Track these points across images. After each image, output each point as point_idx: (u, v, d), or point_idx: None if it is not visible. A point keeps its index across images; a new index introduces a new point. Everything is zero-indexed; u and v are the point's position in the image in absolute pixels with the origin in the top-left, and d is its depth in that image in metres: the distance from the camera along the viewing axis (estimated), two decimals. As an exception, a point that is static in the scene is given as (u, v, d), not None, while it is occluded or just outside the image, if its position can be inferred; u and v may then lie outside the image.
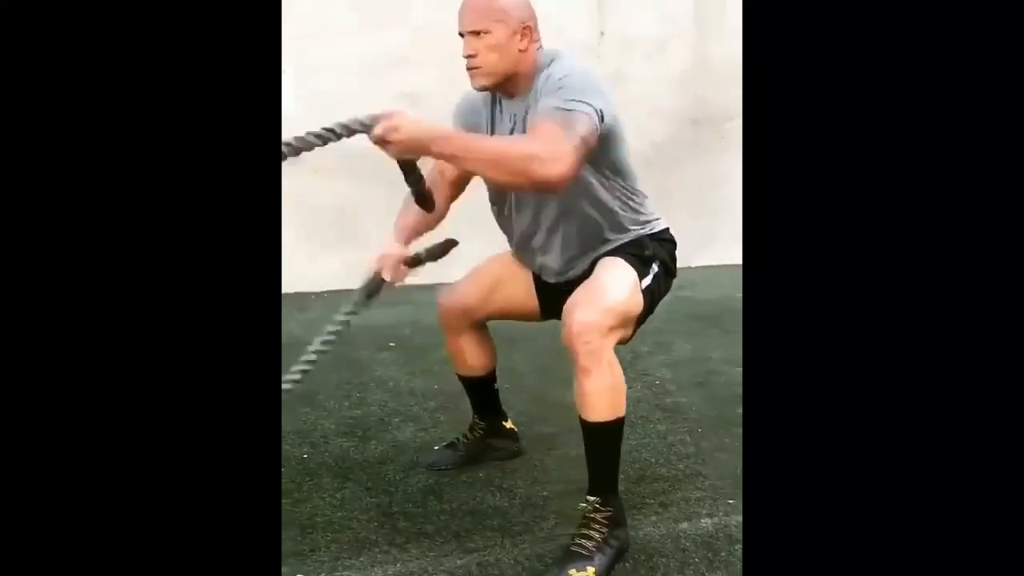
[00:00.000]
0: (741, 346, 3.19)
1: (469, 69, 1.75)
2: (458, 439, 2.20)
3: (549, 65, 1.75)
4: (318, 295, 3.84)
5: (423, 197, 1.67)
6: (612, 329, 1.67)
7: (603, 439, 1.73)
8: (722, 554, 1.75)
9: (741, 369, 2.81)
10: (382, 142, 1.47)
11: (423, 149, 1.50)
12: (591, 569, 1.66)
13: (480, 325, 2.07)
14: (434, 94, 3.79)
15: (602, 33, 3.98)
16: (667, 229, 1.90)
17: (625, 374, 1.73)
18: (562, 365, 2.83)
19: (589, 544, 1.69)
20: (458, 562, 1.73)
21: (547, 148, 1.51)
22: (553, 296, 1.89)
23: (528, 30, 1.74)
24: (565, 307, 1.69)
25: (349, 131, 1.46)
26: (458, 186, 1.96)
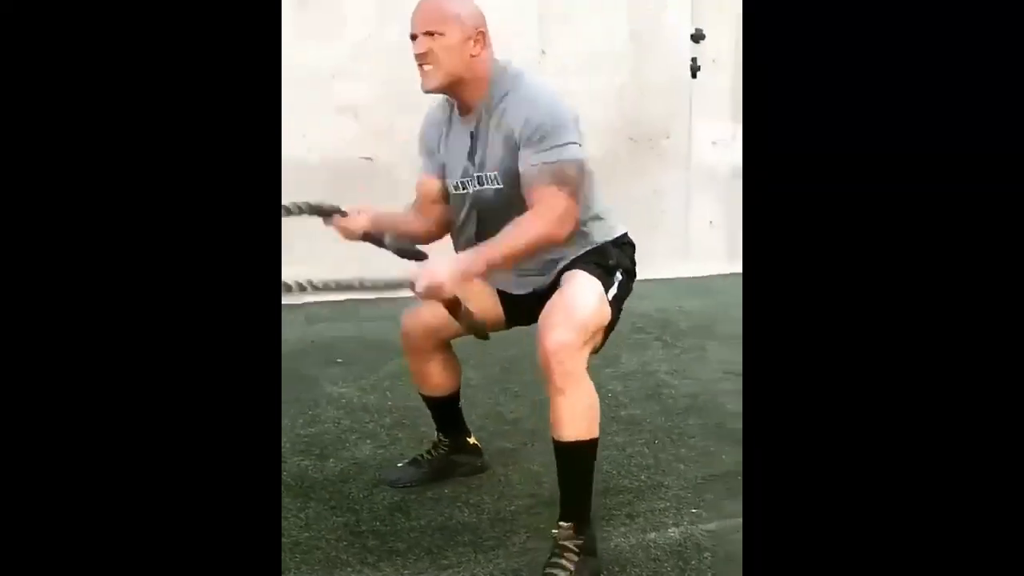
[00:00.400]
0: (684, 359, 3.20)
1: (420, 67, 1.72)
2: (421, 456, 2.15)
3: (507, 95, 1.73)
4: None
5: (476, 329, 1.83)
6: (585, 344, 1.67)
7: (578, 460, 1.70)
8: (692, 562, 1.77)
9: (687, 381, 2.88)
10: (432, 296, 1.64)
11: (469, 280, 1.67)
12: None
13: (446, 344, 2.01)
14: (373, 107, 3.78)
15: (543, 52, 4.02)
16: (626, 233, 1.89)
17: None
18: (514, 379, 2.85)
19: (561, 574, 1.65)
20: (434, 579, 1.71)
21: (554, 216, 1.66)
22: (517, 305, 1.89)
23: (481, 35, 1.74)
24: (538, 326, 1.66)
25: (397, 286, 1.64)
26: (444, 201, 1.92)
